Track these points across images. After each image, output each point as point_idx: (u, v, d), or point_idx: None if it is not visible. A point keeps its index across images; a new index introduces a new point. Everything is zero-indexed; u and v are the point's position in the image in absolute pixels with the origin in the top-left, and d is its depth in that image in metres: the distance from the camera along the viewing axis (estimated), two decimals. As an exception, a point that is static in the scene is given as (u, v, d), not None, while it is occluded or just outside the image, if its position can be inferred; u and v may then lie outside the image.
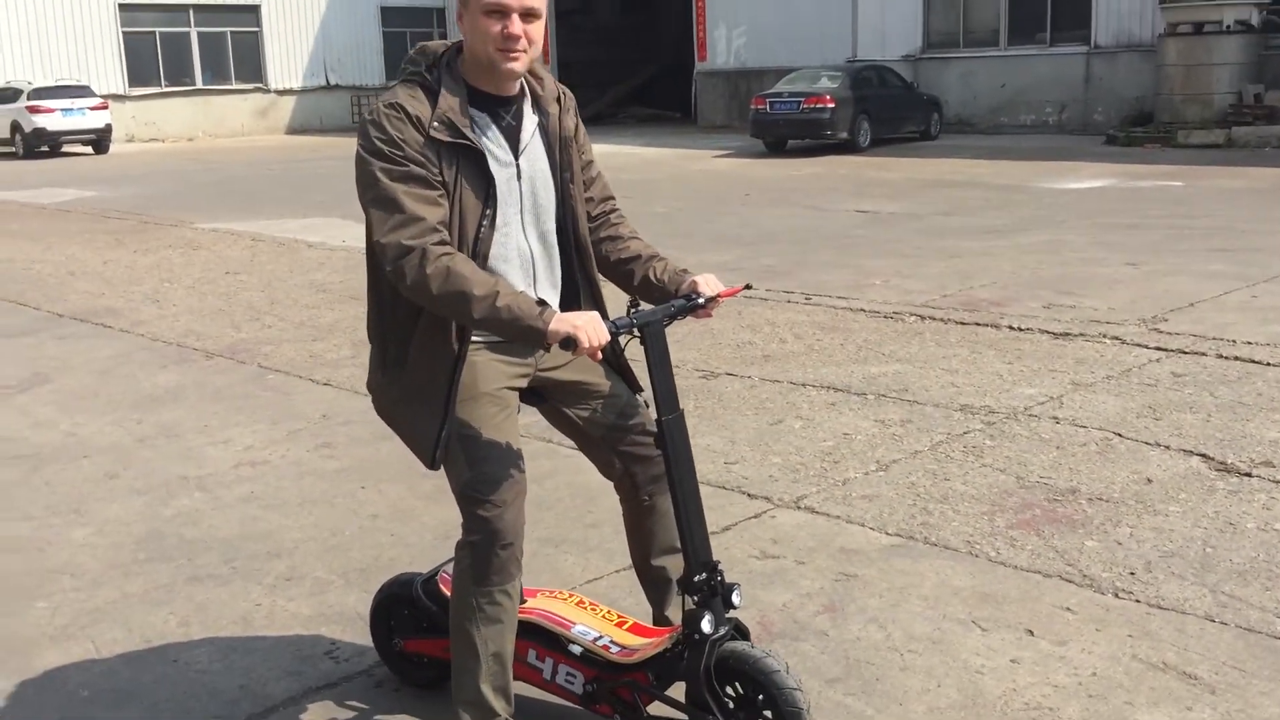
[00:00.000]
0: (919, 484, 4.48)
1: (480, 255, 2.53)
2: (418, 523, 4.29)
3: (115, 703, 3.09)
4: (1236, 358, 6.05)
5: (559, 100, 2.68)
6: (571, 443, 2.96)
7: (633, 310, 2.55)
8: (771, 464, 4.77)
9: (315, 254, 10.87)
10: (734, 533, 4.06)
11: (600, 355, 2.46)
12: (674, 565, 2.84)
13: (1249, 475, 4.44)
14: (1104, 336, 6.62)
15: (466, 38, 2.54)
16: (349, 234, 11.99)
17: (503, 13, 2.45)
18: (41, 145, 25.05)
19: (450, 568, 2.95)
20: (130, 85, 29.89)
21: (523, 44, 2.48)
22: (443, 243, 2.44)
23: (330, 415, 5.68)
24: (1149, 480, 4.43)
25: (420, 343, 2.58)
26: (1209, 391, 5.51)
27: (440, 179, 2.48)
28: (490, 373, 2.61)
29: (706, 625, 2.51)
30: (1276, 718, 2.83)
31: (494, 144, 2.56)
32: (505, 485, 2.55)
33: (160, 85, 30.55)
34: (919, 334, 6.91)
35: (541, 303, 2.51)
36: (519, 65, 2.51)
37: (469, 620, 2.60)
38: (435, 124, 2.48)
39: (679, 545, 2.74)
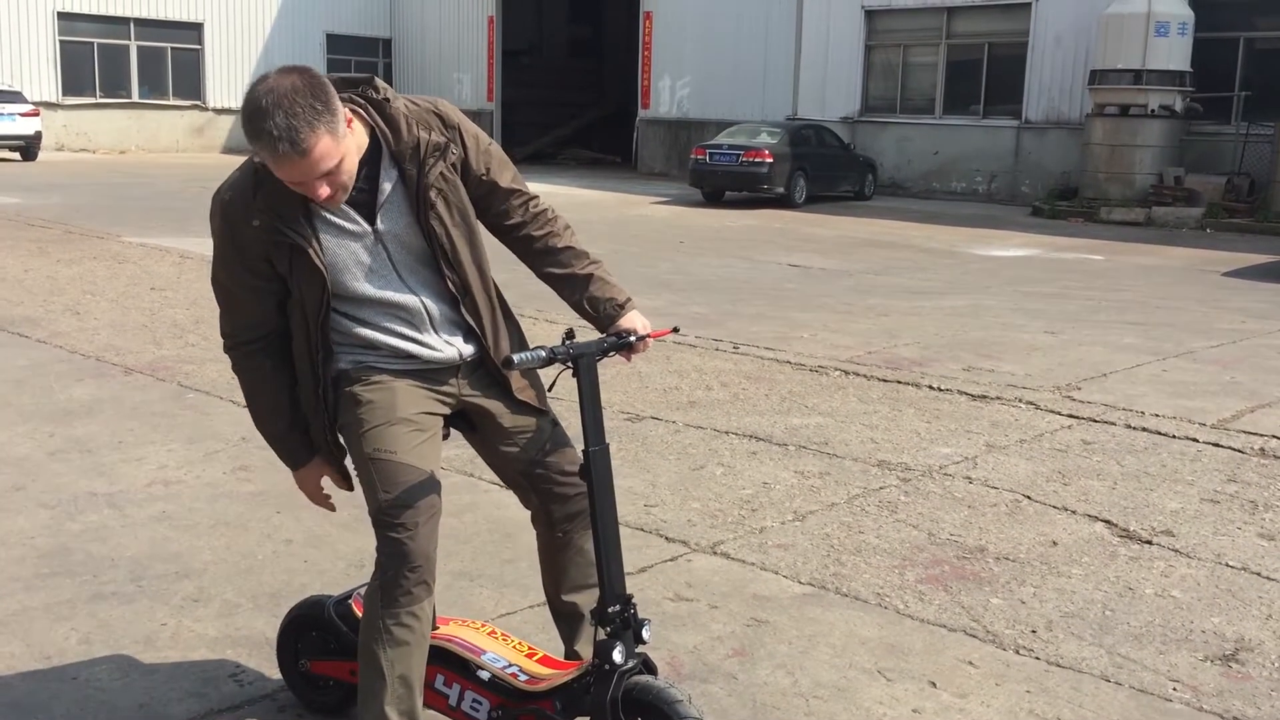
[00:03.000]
0: (833, 535, 4.56)
1: (324, 334, 2.58)
2: (331, 550, 4.25)
3: (9, 717, 3.01)
4: (1144, 429, 6.24)
5: (419, 145, 2.55)
6: (493, 477, 2.98)
7: (568, 341, 2.58)
8: (691, 509, 4.82)
9: (244, 275, 10.74)
10: (650, 574, 4.09)
11: (529, 387, 2.53)
12: (585, 601, 2.86)
13: (1149, 543, 4.58)
14: (1020, 401, 6.79)
15: None
16: (280, 257, 11.88)
17: (302, 184, 2.39)
18: (-33, 149, 24.54)
19: (363, 590, 2.95)
20: (64, 94, 29.41)
21: (331, 192, 2.41)
22: (259, 339, 2.66)
23: (249, 438, 5.61)
24: (1054, 543, 4.55)
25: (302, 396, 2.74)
26: (1116, 460, 5.68)
27: (270, 273, 2.55)
28: (408, 398, 2.63)
29: (618, 656, 2.54)
30: (1163, 777, 2.92)
31: (340, 219, 2.52)
32: (417, 509, 2.56)
33: (95, 95, 30.10)
34: (842, 388, 7.03)
35: (308, 445, 2.76)
36: (337, 201, 2.46)
37: (376, 642, 2.60)
38: (258, 220, 2.48)
39: (591, 582, 2.77)
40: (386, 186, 2.55)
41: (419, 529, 2.56)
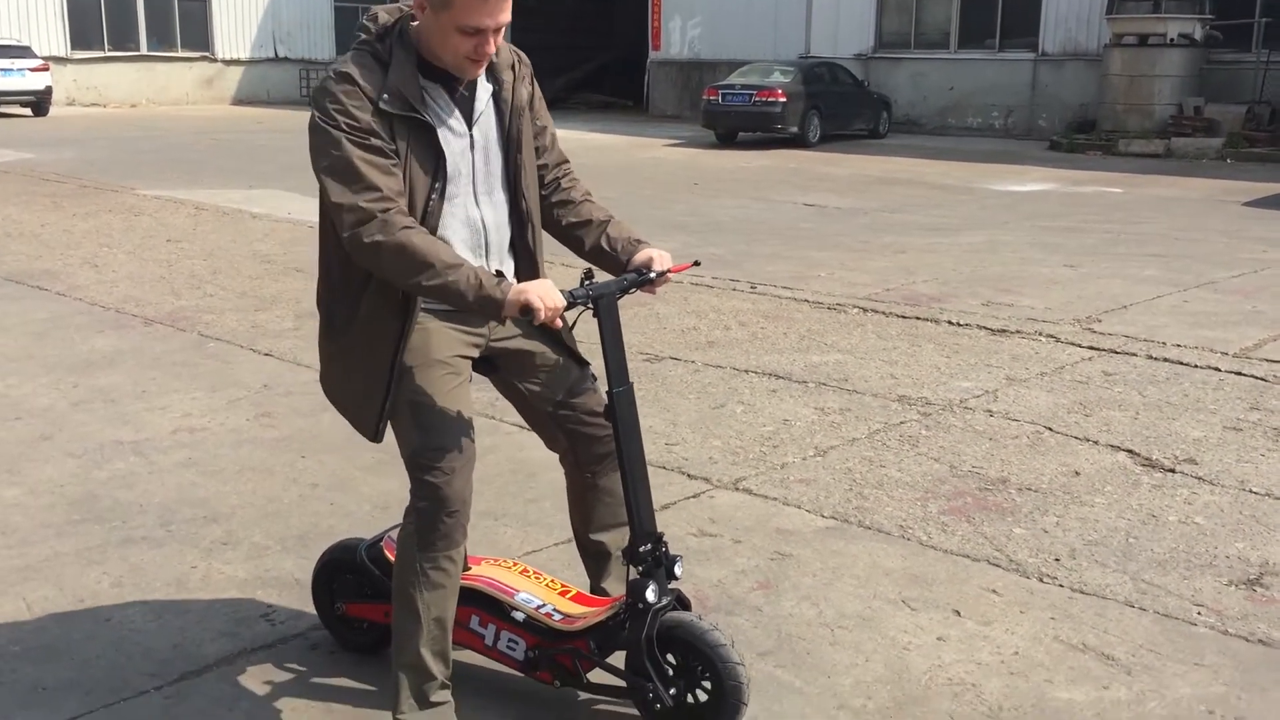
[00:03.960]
0: (855, 470, 4.56)
1: (430, 227, 2.53)
2: (357, 493, 4.29)
3: (45, 658, 3.07)
4: (1165, 359, 6.21)
5: (513, 68, 2.68)
6: (514, 418, 2.99)
7: (587, 282, 2.57)
8: (712, 446, 4.83)
9: (260, 225, 10.75)
10: (673, 511, 4.11)
11: (560, 323, 2.49)
12: (613, 540, 2.89)
13: (1172, 471, 4.57)
14: (1039, 334, 6.76)
15: (428, 33, 2.49)
16: (294, 206, 11.88)
17: (479, 32, 2.45)
18: (-22, 105, 24.49)
19: (395, 533, 2.98)
20: (73, 48, 29.25)
21: (490, 52, 2.50)
22: (400, 212, 2.44)
23: (271, 385, 5.65)
24: (1077, 473, 4.55)
25: (367, 312, 2.59)
26: (1138, 391, 5.66)
27: (393, 149, 2.48)
28: (443, 340, 2.63)
29: (651, 594, 2.56)
30: (1187, 698, 2.93)
31: (447, 116, 2.56)
32: (454, 453, 2.56)
33: (104, 49, 29.91)
34: (861, 326, 7.01)
35: (498, 274, 2.51)
36: (476, 72, 2.55)
37: (412, 585, 2.62)
38: (385, 96, 2.47)
39: (620, 521, 2.80)
40: (484, 96, 2.63)
41: (456, 473, 2.56)
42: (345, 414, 2.76)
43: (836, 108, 21.49)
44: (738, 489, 4.36)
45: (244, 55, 32.33)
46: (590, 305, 2.55)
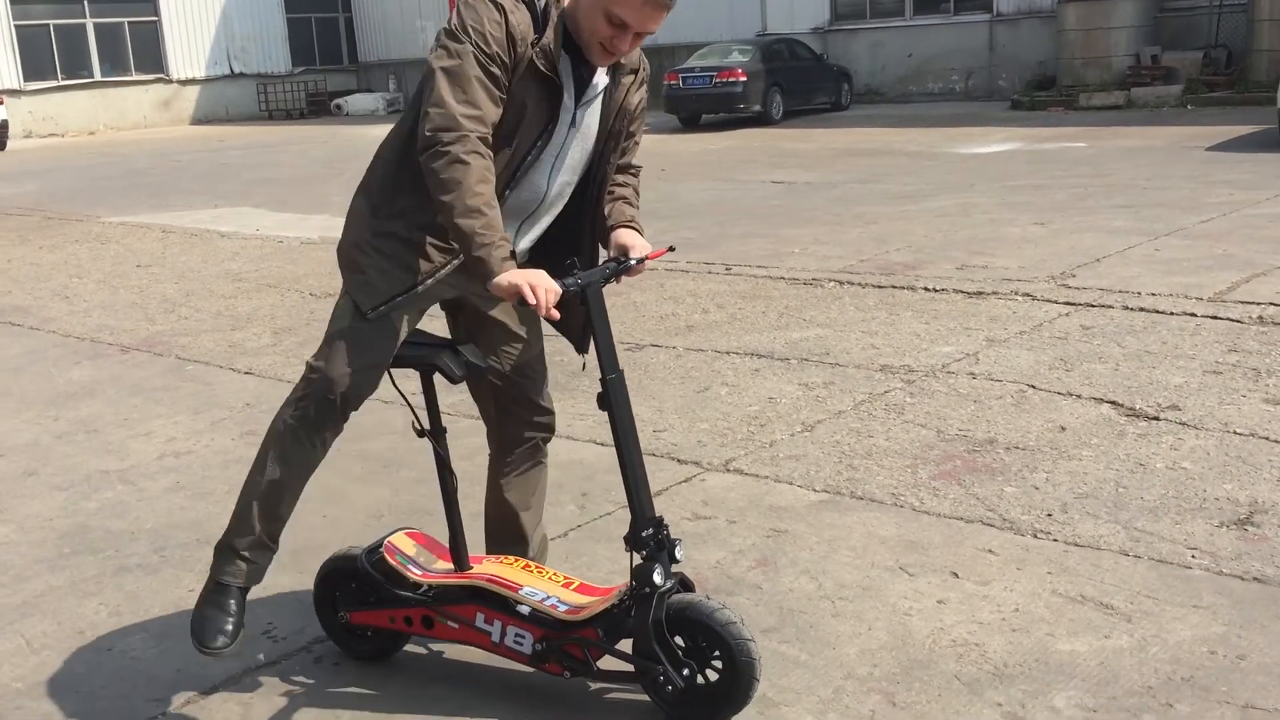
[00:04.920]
0: (843, 442, 4.58)
1: (511, 175, 2.66)
2: (348, 504, 4.28)
3: (50, 693, 3.05)
4: (1141, 309, 6.26)
5: (636, 72, 2.78)
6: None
7: (575, 271, 2.60)
8: (699, 430, 4.84)
9: (229, 244, 10.69)
10: (665, 497, 4.12)
11: (557, 315, 2.55)
12: (522, 520, 3.13)
13: (1156, 419, 4.61)
14: (1015, 294, 6.80)
15: (581, 7, 2.59)
16: (262, 222, 11.82)
17: (623, 27, 2.55)
18: (-66, 144, 24.22)
19: (395, 538, 2.99)
20: (25, 80, 28.98)
21: (625, 51, 2.63)
22: (483, 139, 2.53)
23: (254, 403, 5.63)
24: (1062, 428, 4.58)
25: (416, 220, 2.68)
26: (1116, 342, 5.70)
27: (507, 87, 2.56)
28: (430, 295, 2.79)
29: (658, 577, 2.58)
30: (1188, 640, 2.96)
31: (567, 89, 2.67)
32: (354, 368, 2.70)
33: (57, 79, 29.66)
34: (838, 299, 7.03)
35: (512, 254, 2.54)
36: (607, 61, 2.66)
37: (271, 444, 2.79)
38: (536, 49, 2.56)
39: (526, 505, 3.08)
40: (598, 84, 2.72)
41: (353, 373, 2.70)
42: (352, 282, 2.77)
43: (797, 83, 21.51)
44: (728, 470, 4.37)
45: (199, 74, 32.11)
46: (580, 293, 2.58)
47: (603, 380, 2.61)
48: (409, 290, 2.70)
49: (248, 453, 4.87)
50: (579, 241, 2.86)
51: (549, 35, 2.58)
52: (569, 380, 5.28)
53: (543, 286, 2.44)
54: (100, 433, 5.31)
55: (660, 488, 4.19)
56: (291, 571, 3.68)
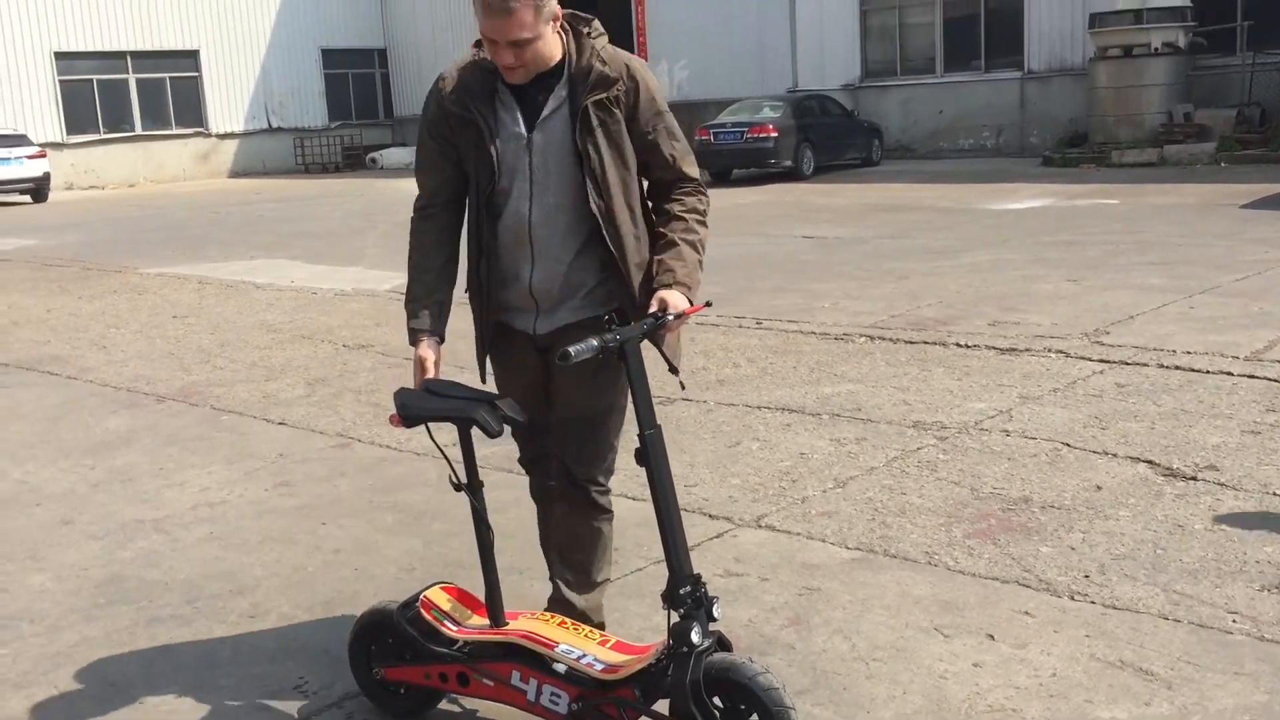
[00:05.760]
0: (876, 499, 4.55)
1: (492, 213, 2.90)
2: (380, 555, 4.28)
3: (82, 745, 3.06)
4: (1177, 367, 6.21)
5: (595, 80, 2.82)
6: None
7: (613, 326, 2.64)
8: (731, 485, 4.82)
9: (264, 295, 10.81)
10: (697, 553, 4.10)
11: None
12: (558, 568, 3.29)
13: (1194, 479, 4.56)
14: (1049, 351, 6.76)
15: None
16: (297, 274, 11.95)
17: (494, 44, 2.73)
18: (-22, 196, 24.70)
19: (430, 593, 2.98)
20: (68, 133, 29.56)
21: (514, 64, 2.75)
22: (427, 207, 2.99)
23: (287, 454, 5.66)
24: (1098, 487, 4.53)
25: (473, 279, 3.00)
26: (1152, 400, 5.65)
27: (454, 146, 2.90)
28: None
29: (696, 636, 2.55)
30: (1230, 709, 2.91)
31: (507, 116, 2.85)
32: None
33: (99, 132, 30.23)
34: (869, 354, 7.01)
35: (436, 315, 2.95)
36: (515, 78, 2.81)
37: None
38: (454, 96, 2.86)
39: (562, 553, 3.23)
40: (553, 104, 2.85)
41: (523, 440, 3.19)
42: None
43: (828, 139, 21.62)
44: (760, 526, 4.35)
45: (238, 128, 32.64)
46: (618, 350, 2.61)
47: (641, 435, 2.61)
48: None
49: (280, 503, 4.92)
50: (607, 252, 2.91)
51: (470, 80, 2.86)
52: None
53: (418, 361, 2.89)
54: (135, 482, 5.35)
55: (692, 543, 4.16)
56: (323, 625, 3.68)
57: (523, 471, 3.35)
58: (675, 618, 2.61)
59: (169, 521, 4.78)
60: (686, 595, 2.60)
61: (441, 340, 2.96)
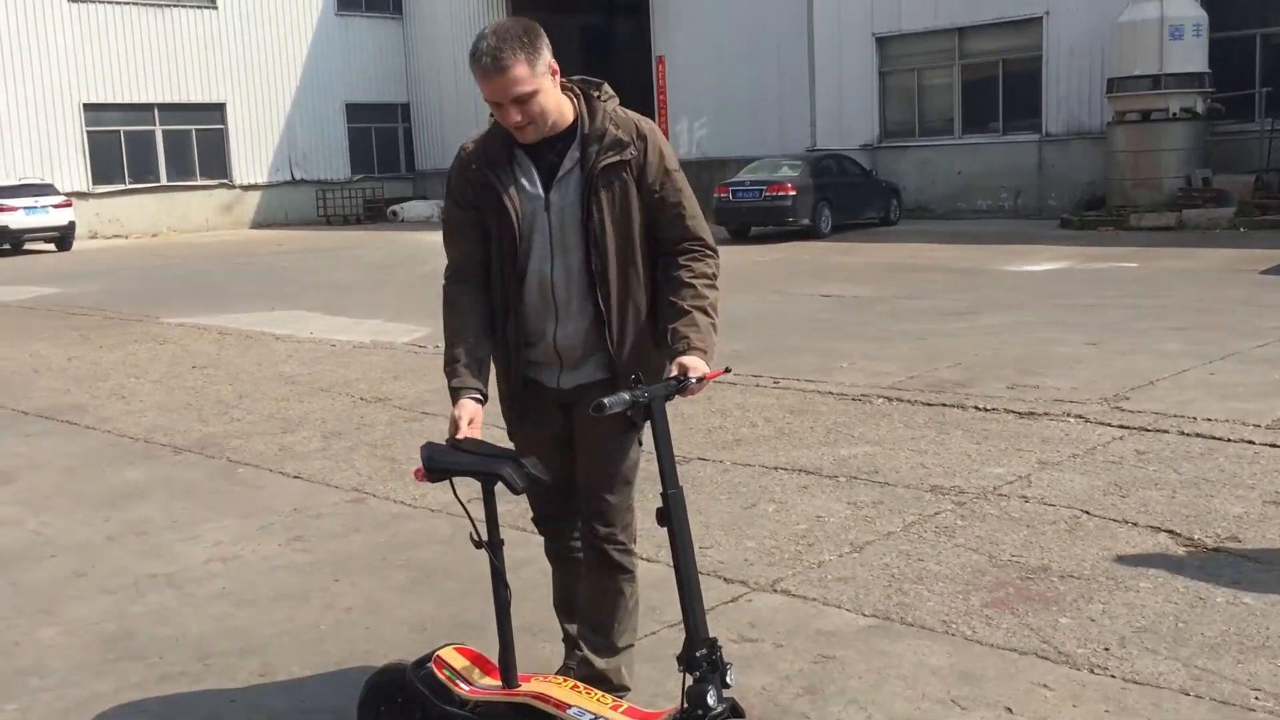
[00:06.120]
0: (893, 565, 4.51)
1: (518, 273, 2.98)
2: (391, 615, 4.26)
3: (87, 806, 3.03)
4: (1198, 434, 6.16)
5: (607, 140, 2.92)
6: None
7: (639, 385, 2.67)
8: (746, 548, 4.79)
9: (283, 346, 10.87)
10: (711, 616, 4.05)
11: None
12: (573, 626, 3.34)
13: (1216, 550, 4.50)
14: (1068, 415, 6.72)
15: None
16: (316, 326, 12.02)
17: (498, 105, 2.81)
18: (3, 244, 24.96)
19: (444, 652, 2.97)
20: (94, 183, 29.97)
21: (522, 121, 2.82)
22: (459, 274, 3.04)
23: (301, 508, 5.66)
24: (1118, 557, 4.48)
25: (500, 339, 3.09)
26: (1173, 468, 5.60)
27: (479, 212, 2.98)
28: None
29: (712, 700, 2.53)
30: (1255, 790, 2.85)
31: (525, 179, 2.95)
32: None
33: (124, 182, 30.65)
34: (887, 416, 6.99)
35: (476, 387, 2.94)
36: (527, 136, 2.89)
37: None
38: (473, 166, 2.97)
39: (584, 613, 3.26)
40: (568, 164, 2.95)
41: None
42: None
43: (846, 198, 21.73)
44: (776, 590, 4.31)
45: (261, 180, 33.04)
46: (645, 409, 2.64)
47: (664, 495, 2.62)
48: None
49: (294, 559, 4.90)
50: (595, 307, 3.01)
51: (490, 148, 2.95)
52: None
53: (456, 417, 2.87)
54: (150, 535, 5.34)
55: (707, 607, 4.11)
56: (333, 685, 3.66)
57: (536, 530, 3.35)
58: (690, 681, 2.58)
59: (182, 576, 4.77)
60: (702, 659, 2.58)
61: (484, 399, 2.96)
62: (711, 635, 2.63)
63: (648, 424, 2.68)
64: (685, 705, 2.57)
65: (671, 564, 2.67)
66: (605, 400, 2.54)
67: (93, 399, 8.67)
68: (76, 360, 10.56)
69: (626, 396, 2.58)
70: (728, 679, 2.61)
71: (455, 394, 2.92)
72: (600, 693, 2.89)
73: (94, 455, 6.94)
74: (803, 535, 4.91)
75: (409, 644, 3.88)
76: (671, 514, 2.62)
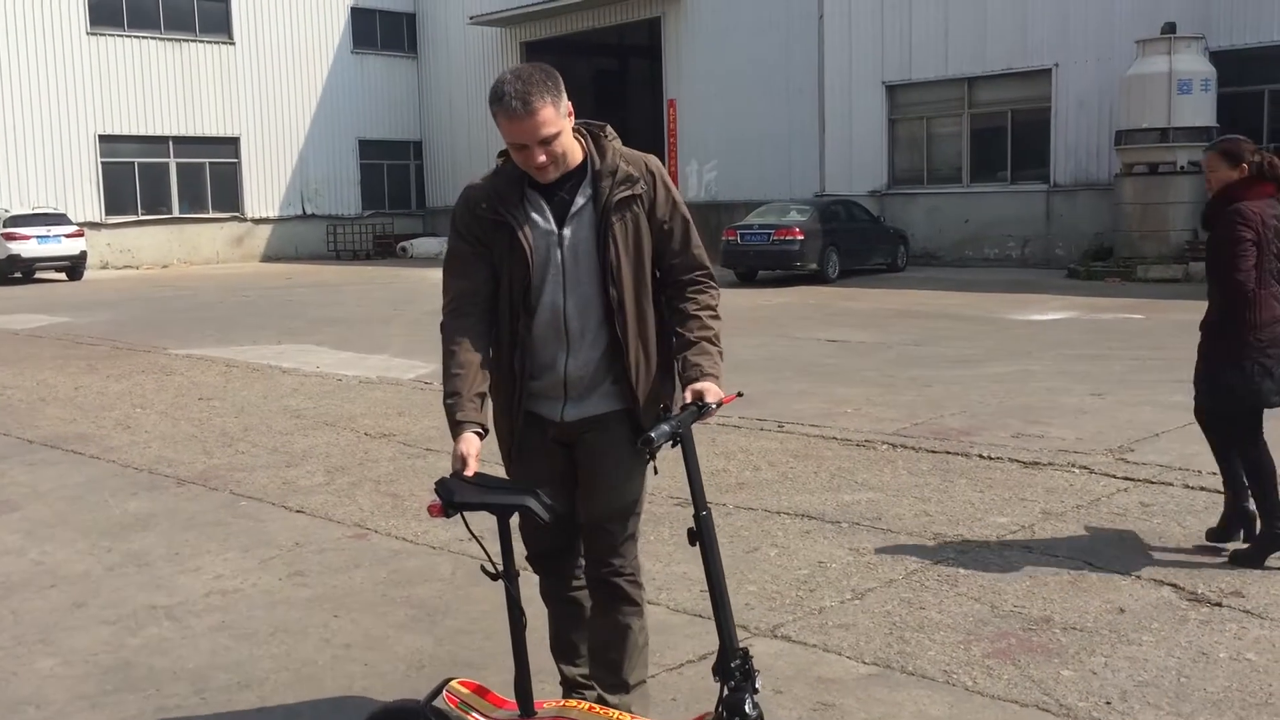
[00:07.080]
0: (895, 613, 4.49)
1: (529, 308, 3.04)
2: (390, 651, 4.24)
3: (79, 839, 3.01)
4: (1202, 488, 6.14)
5: (619, 176, 3.03)
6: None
7: (667, 416, 2.80)
8: (747, 592, 4.77)
9: (289, 380, 10.89)
10: (711, 661, 4.03)
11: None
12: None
13: (1219, 605, 4.48)
14: (1073, 466, 6.71)
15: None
16: (323, 360, 12.05)
17: (524, 147, 2.89)
18: (15, 272, 25.08)
19: (455, 684, 2.97)
20: (107, 213, 30.17)
21: (546, 161, 2.92)
22: (459, 308, 3.05)
23: (303, 543, 5.65)
24: (1121, 610, 4.46)
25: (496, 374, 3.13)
26: (1177, 522, 5.58)
27: (487, 249, 3.04)
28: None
29: (749, 708, 2.63)
30: None
31: (538, 216, 3.02)
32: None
33: (137, 214, 30.85)
34: (891, 462, 6.98)
35: (479, 421, 2.97)
36: (548, 176, 2.98)
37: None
38: (483, 204, 3.03)
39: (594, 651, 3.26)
40: (580, 200, 3.04)
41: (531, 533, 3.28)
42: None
43: (854, 243, 21.80)
44: (776, 636, 4.29)
45: (273, 214, 33.25)
46: (673, 436, 2.75)
47: (695, 516, 2.73)
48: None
49: (293, 594, 4.89)
50: (617, 343, 3.08)
51: (501, 186, 3.02)
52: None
53: (458, 461, 2.87)
54: (151, 566, 5.34)
55: (706, 651, 4.11)
56: (329, 719, 3.64)
57: (530, 570, 3.34)
58: (725, 691, 2.69)
59: (181, 609, 4.76)
60: (736, 668, 2.68)
61: (485, 433, 2.99)
62: (744, 646, 2.74)
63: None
64: (723, 713, 2.65)
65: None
66: (651, 434, 2.68)
67: (98, 429, 8.69)
68: (83, 389, 10.59)
69: (667, 428, 2.70)
70: (756, 684, 2.73)
71: (458, 428, 2.94)
72: (618, 712, 2.91)
73: (97, 485, 6.94)
74: (804, 581, 4.90)
75: (406, 682, 3.87)
76: (703, 534, 2.73)
